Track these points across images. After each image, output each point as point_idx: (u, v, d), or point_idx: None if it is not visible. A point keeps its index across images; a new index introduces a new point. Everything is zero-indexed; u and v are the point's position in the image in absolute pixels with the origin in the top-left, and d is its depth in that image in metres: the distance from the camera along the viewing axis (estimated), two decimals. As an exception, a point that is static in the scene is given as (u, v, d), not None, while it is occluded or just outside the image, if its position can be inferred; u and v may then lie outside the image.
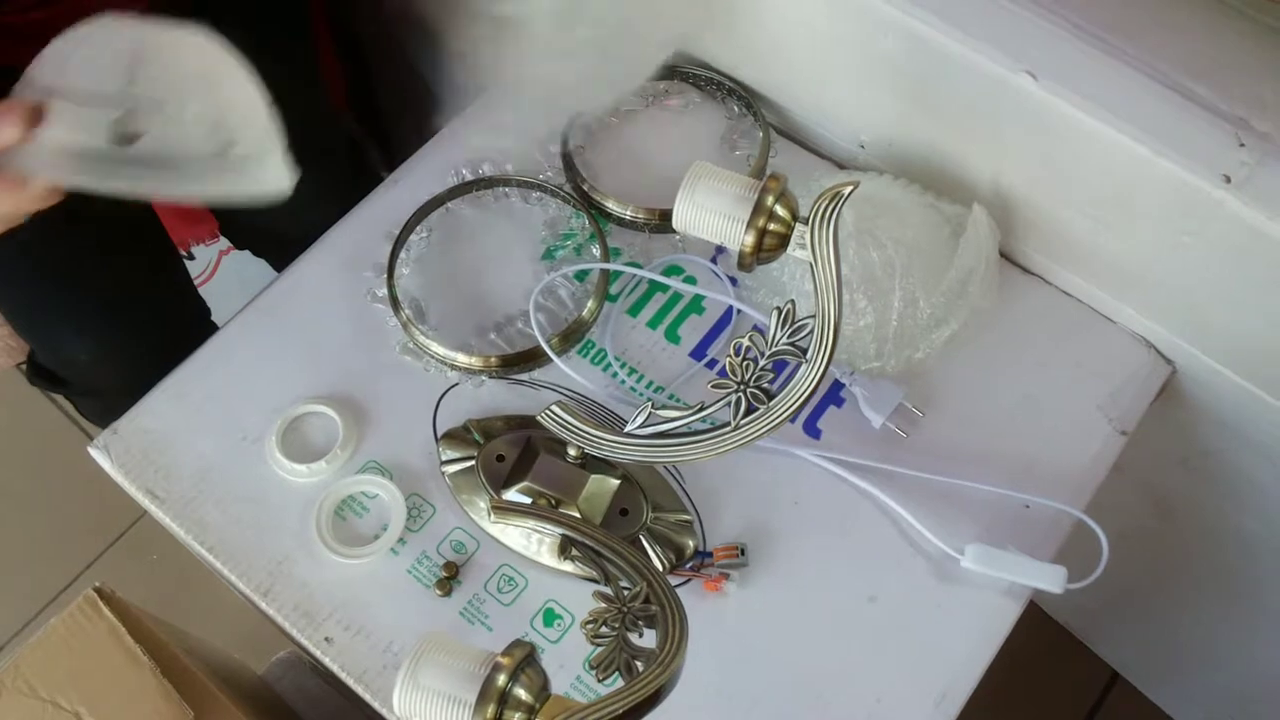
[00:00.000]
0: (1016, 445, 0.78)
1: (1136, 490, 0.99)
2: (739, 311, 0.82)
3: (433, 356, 0.79)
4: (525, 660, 0.50)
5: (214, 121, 0.61)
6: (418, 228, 0.86)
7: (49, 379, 1.01)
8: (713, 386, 0.65)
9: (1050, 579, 0.72)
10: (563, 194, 0.86)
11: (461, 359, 0.79)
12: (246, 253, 1.23)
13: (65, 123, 0.60)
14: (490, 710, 0.48)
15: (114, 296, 0.93)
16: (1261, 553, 0.95)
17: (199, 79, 0.62)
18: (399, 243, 0.83)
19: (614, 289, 0.84)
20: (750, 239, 0.60)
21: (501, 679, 0.49)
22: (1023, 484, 0.75)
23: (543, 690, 0.50)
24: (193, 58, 0.62)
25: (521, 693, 0.49)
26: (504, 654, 0.50)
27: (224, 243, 1.25)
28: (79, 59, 0.61)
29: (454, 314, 0.82)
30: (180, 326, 0.99)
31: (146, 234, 0.99)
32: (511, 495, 0.72)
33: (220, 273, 1.29)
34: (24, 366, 1.06)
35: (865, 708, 0.69)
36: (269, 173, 0.63)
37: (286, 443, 0.77)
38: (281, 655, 1.05)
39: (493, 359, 0.79)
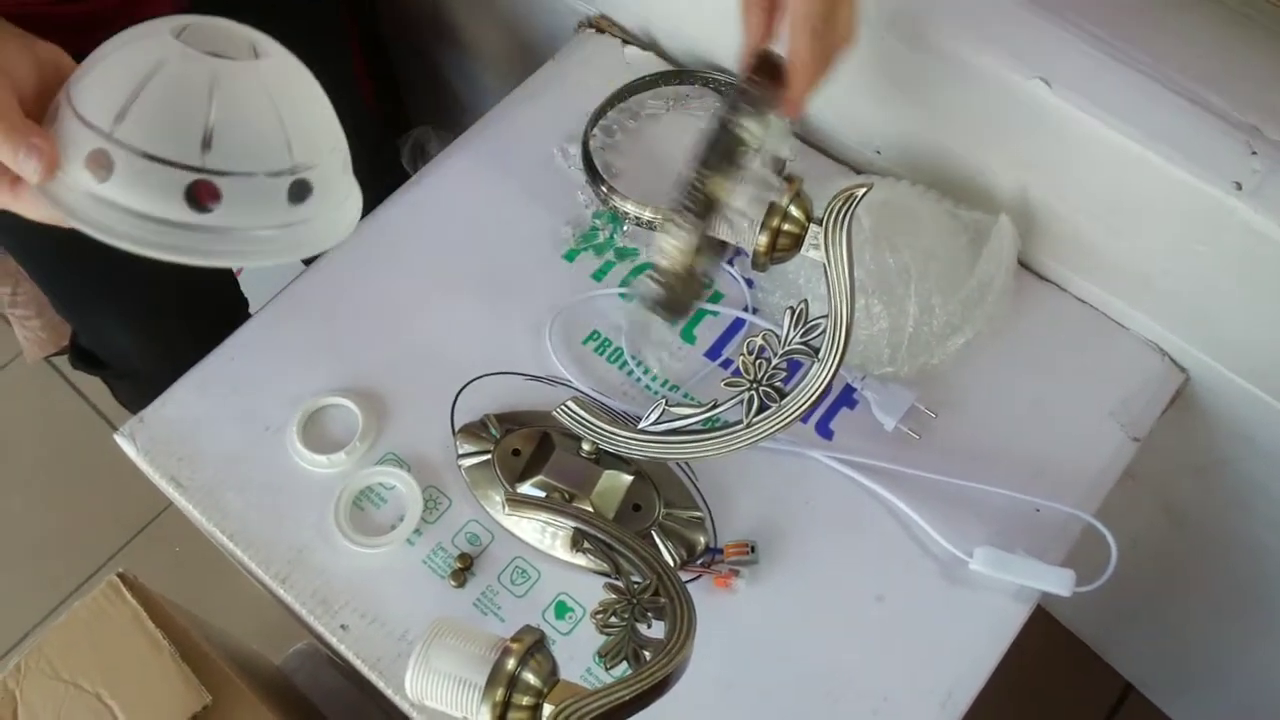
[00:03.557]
0: (1028, 449, 0.78)
1: (1149, 498, 0.99)
2: (754, 312, 0.83)
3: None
4: (535, 645, 0.51)
5: (296, 177, 0.54)
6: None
7: (90, 361, 1.03)
8: (725, 384, 0.66)
9: (1058, 582, 0.72)
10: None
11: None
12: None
13: (127, 180, 0.51)
14: (499, 693, 0.49)
15: (159, 284, 0.95)
16: (1275, 564, 0.95)
17: (278, 110, 0.53)
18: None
19: (627, 288, 0.85)
20: (764, 239, 0.61)
21: (511, 663, 0.50)
22: (1033, 488, 0.75)
23: (551, 675, 0.51)
24: (274, 86, 0.54)
25: (530, 677, 0.50)
26: (514, 639, 0.51)
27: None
28: (142, 87, 0.51)
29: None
30: (220, 315, 1.01)
31: None
32: (526, 489, 0.74)
33: (247, 268, 1.31)
34: (54, 359, 1.08)
35: (872, 705, 0.70)
36: (347, 215, 0.57)
37: (307, 434, 0.78)
38: (299, 646, 1.07)
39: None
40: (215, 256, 0.53)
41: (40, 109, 0.55)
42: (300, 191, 0.54)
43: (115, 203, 0.51)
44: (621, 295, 0.62)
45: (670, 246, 0.60)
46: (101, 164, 0.51)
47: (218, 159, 0.51)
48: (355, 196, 0.60)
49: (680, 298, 0.63)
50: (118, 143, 0.50)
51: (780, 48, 0.66)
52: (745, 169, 0.61)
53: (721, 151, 0.59)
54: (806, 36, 0.64)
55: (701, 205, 0.59)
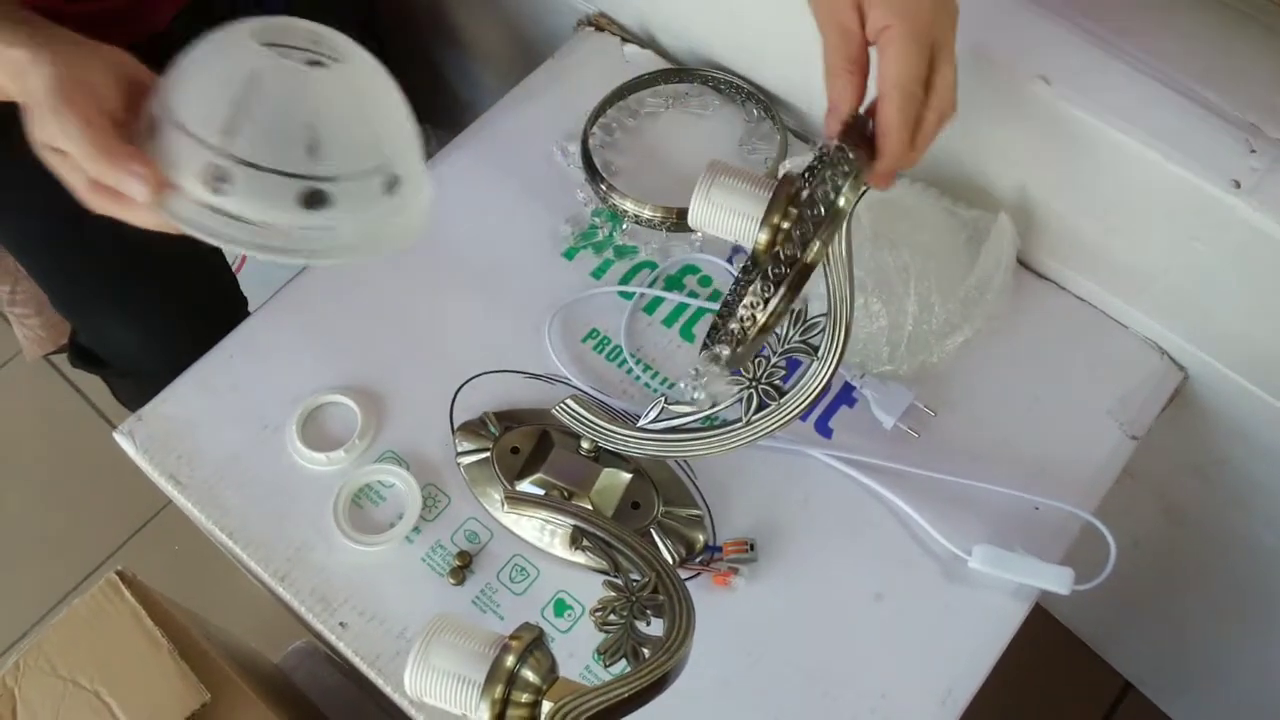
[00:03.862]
0: (1027, 448, 0.78)
1: (1149, 497, 0.99)
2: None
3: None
4: (534, 643, 0.51)
5: (388, 171, 0.57)
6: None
7: (90, 360, 1.03)
8: (726, 383, 0.66)
9: (1057, 580, 0.72)
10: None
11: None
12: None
13: (243, 191, 0.54)
14: (498, 690, 0.49)
15: (158, 282, 0.95)
16: (1275, 563, 0.95)
17: (366, 110, 0.57)
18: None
19: (630, 285, 0.85)
20: (764, 236, 0.61)
21: (510, 660, 0.50)
22: (1032, 486, 0.76)
23: (550, 672, 0.51)
24: (360, 87, 0.57)
25: (529, 674, 0.50)
26: (513, 636, 0.51)
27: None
28: (244, 98, 0.53)
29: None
30: (219, 313, 1.01)
31: None
32: (525, 487, 0.74)
33: (246, 268, 1.31)
34: (52, 357, 1.08)
35: (870, 703, 0.70)
36: (426, 202, 0.60)
37: (306, 432, 0.78)
38: (297, 645, 1.07)
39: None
40: (326, 255, 0.57)
41: (128, 119, 0.57)
42: (393, 185, 0.58)
43: (230, 212, 0.54)
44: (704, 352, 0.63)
45: (754, 312, 0.59)
46: (215, 176, 0.54)
47: (324, 164, 0.55)
48: (429, 183, 0.62)
49: (747, 355, 0.62)
50: (230, 156, 0.53)
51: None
52: (838, 234, 0.59)
53: (816, 221, 0.57)
54: (897, 103, 0.58)
55: (797, 276, 0.58)
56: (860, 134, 0.59)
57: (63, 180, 0.58)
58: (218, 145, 0.53)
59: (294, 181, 0.54)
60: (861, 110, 0.61)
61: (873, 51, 0.61)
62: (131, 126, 0.57)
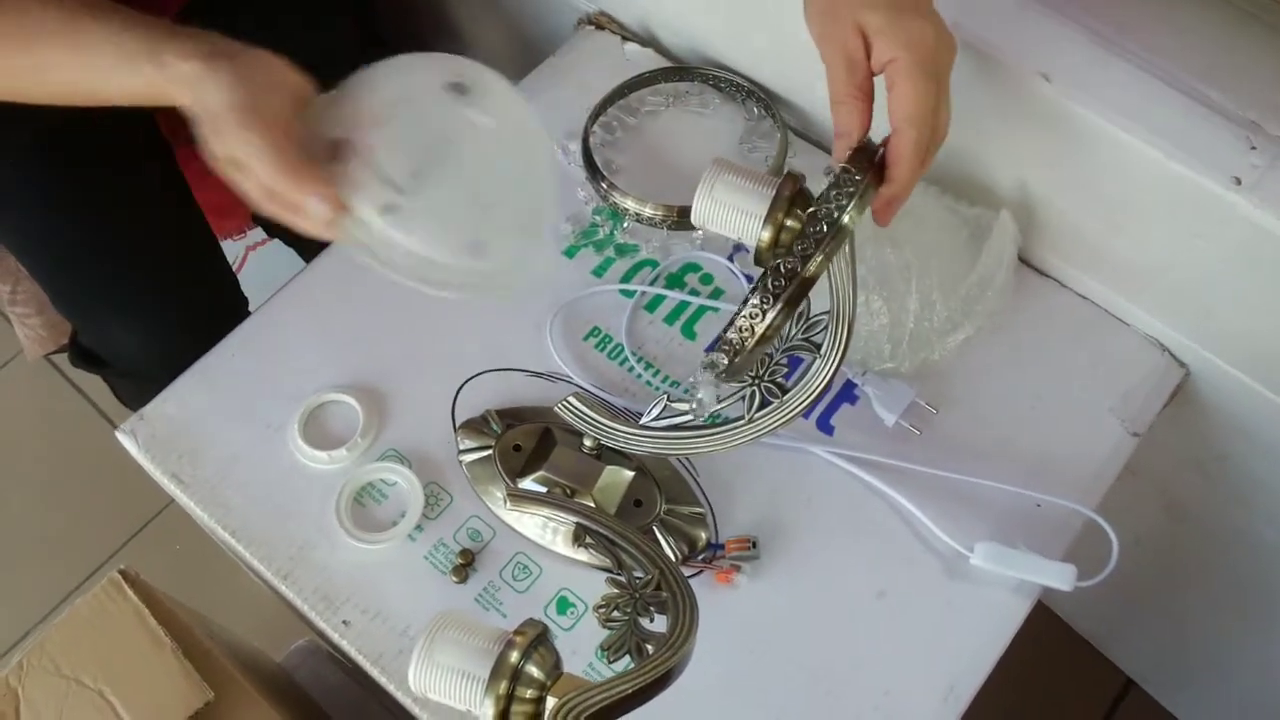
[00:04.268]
0: (1028, 445, 0.78)
1: (1151, 494, 0.99)
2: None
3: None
4: (538, 639, 0.51)
5: (539, 226, 0.62)
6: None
7: (91, 360, 1.03)
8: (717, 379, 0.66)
9: (1059, 577, 0.72)
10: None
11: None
12: (271, 250, 1.25)
13: (420, 234, 0.58)
14: (502, 686, 0.49)
15: (161, 284, 0.96)
16: (1276, 559, 0.95)
17: (533, 165, 0.62)
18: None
19: (631, 284, 0.85)
20: (767, 234, 0.61)
21: (514, 656, 0.50)
22: (1034, 483, 0.76)
23: (555, 668, 0.51)
24: (531, 145, 0.62)
25: (534, 670, 0.50)
26: (517, 632, 0.51)
27: (251, 238, 1.27)
28: (436, 155, 0.59)
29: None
30: (222, 315, 1.01)
31: (192, 224, 1.02)
32: (527, 485, 0.74)
33: (246, 268, 1.31)
34: (54, 356, 1.08)
35: (873, 700, 0.70)
36: (549, 259, 0.65)
37: (308, 430, 0.78)
38: (300, 643, 1.07)
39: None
40: (484, 291, 0.61)
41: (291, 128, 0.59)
42: (537, 225, 0.64)
43: (403, 247, 0.58)
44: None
45: (752, 324, 0.59)
46: (394, 213, 0.58)
47: (496, 220, 0.61)
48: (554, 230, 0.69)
49: (744, 366, 0.63)
50: (414, 203, 0.58)
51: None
52: (841, 254, 0.60)
53: (818, 237, 0.58)
54: (913, 137, 0.59)
55: (796, 290, 0.59)
56: (869, 158, 0.60)
57: (235, 187, 0.59)
58: (403, 189, 0.58)
59: (464, 231, 0.59)
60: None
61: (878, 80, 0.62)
62: (301, 136, 0.59)
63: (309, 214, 0.57)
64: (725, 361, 0.61)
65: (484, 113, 0.60)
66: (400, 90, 0.60)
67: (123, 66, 0.60)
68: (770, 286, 0.59)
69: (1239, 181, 0.66)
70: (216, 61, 0.58)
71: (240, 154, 0.57)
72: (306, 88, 0.60)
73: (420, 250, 0.58)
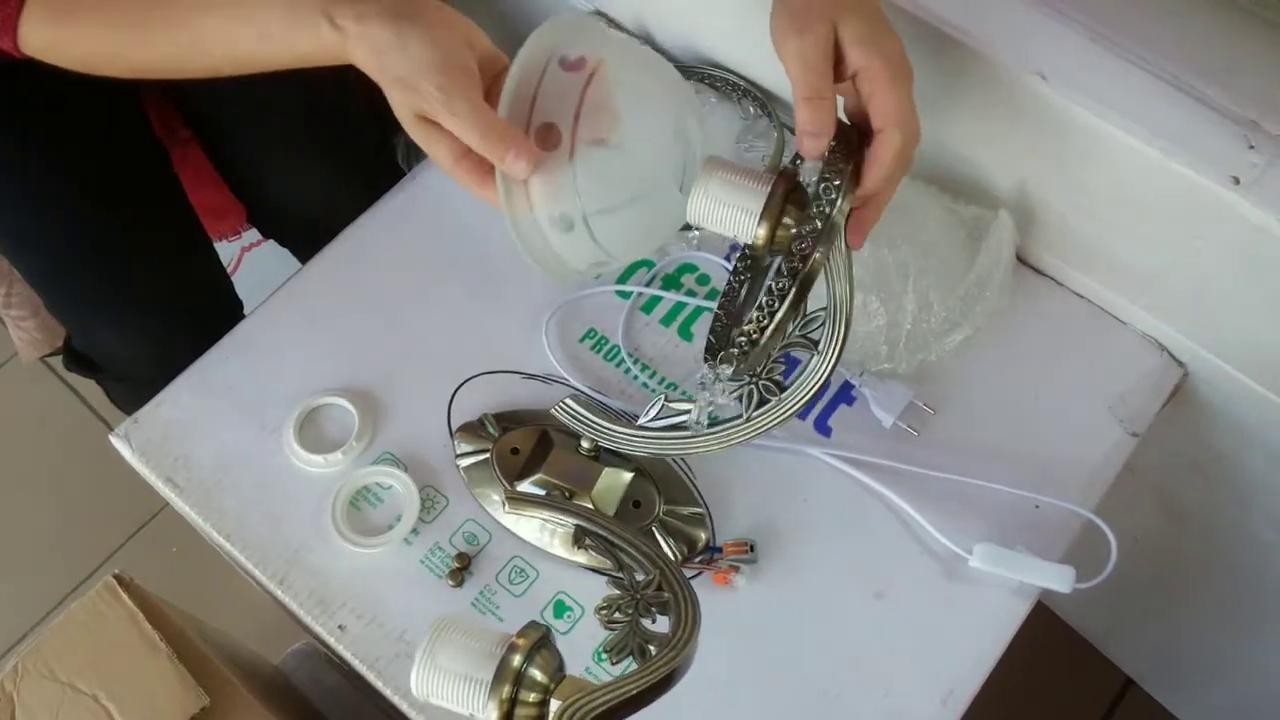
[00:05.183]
0: (1027, 445, 0.78)
1: (1149, 494, 0.99)
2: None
3: None
4: (540, 642, 0.51)
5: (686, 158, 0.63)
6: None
7: (85, 365, 1.03)
8: (726, 379, 0.66)
9: (1058, 579, 0.72)
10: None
11: None
12: (266, 252, 1.24)
13: (575, 247, 0.61)
14: (506, 690, 0.49)
15: (155, 288, 0.95)
16: (1274, 559, 0.95)
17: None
18: None
19: (627, 284, 0.84)
20: (763, 232, 0.61)
21: (517, 659, 0.50)
22: (1032, 484, 0.75)
23: (558, 671, 0.51)
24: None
25: (536, 673, 0.50)
26: (519, 635, 0.51)
27: (246, 239, 1.26)
28: (632, 205, 0.61)
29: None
30: (216, 319, 1.01)
31: (186, 227, 1.01)
32: (525, 487, 0.73)
33: (241, 270, 1.30)
34: (49, 359, 1.07)
35: (872, 702, 0.70)
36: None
37: (303, 434, 0.78)
38: (297, 647, 1.06)
39: None
40: (588, 274, 0.66)
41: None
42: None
43: (555, 253, 0.61)
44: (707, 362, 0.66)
45: (762, 319, 0.60)
46: (564, 218, 0.60)
47: (644, 252, 0.77)
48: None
49: (753, 363, 0.63)
50: (587, 223, 0.60)
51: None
52: (836, 248, 0.60)
53: (814, 235, 0.58)
54: (897, 142, 0.60)
55: (800, 285, 0.59)
56: (847, 149, 0.61)
57: (425, 148, 0.60)
58: (588, 211, 0.59)
59: (615, 260, 0.63)
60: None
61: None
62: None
63: (513, 172, 0.57)
64: (740, 360, 0.62)
65: (691, 189, 0.60)
66: (638, 116, 0.60)
67: (297, 31, 0.60)
68: (775, 288, 0.59)
69: (1238, 181, 0.66)
70: (404, 24, 0.57)
71: (441, 115, 0.57)
72: (490, 46, 0.61)
73: (570, 262, 0.62)
